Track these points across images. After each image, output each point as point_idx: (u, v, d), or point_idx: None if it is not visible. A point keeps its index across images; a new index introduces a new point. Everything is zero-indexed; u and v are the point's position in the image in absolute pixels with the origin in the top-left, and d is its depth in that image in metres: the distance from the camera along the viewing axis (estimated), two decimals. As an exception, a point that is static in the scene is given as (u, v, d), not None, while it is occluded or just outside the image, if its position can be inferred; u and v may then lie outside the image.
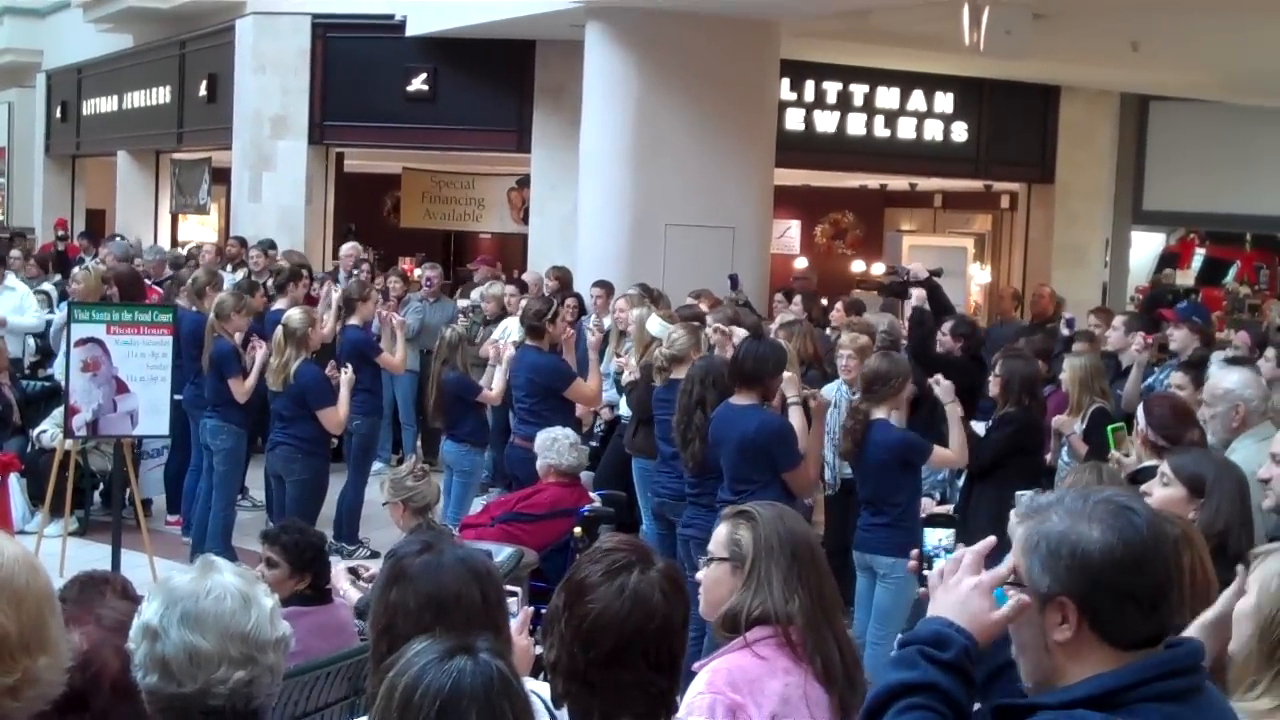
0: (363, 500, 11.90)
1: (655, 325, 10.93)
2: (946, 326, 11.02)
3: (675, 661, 3.19)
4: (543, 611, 3.47)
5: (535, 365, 10.63)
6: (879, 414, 8.21)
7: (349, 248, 16.43)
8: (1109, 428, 8.77)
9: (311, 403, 10.32)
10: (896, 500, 8.10)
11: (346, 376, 10.53)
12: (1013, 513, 2.91)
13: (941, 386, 8.44)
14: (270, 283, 14.18)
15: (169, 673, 2.97)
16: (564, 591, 3.16)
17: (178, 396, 11.11)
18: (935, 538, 3.11)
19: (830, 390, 9.74)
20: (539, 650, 3.77)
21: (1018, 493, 6.00)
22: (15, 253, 16.47)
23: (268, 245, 16.66)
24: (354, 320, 12.07)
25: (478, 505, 10.79)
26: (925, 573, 2.98)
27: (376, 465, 12.84)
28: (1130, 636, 2.62)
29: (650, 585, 3.11)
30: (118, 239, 20.05)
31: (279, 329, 10.57)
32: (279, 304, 13.13)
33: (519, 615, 3.73)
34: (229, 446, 11.15)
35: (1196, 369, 9.38)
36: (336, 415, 10.44)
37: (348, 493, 11.88)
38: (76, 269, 14.84)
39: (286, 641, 3.09)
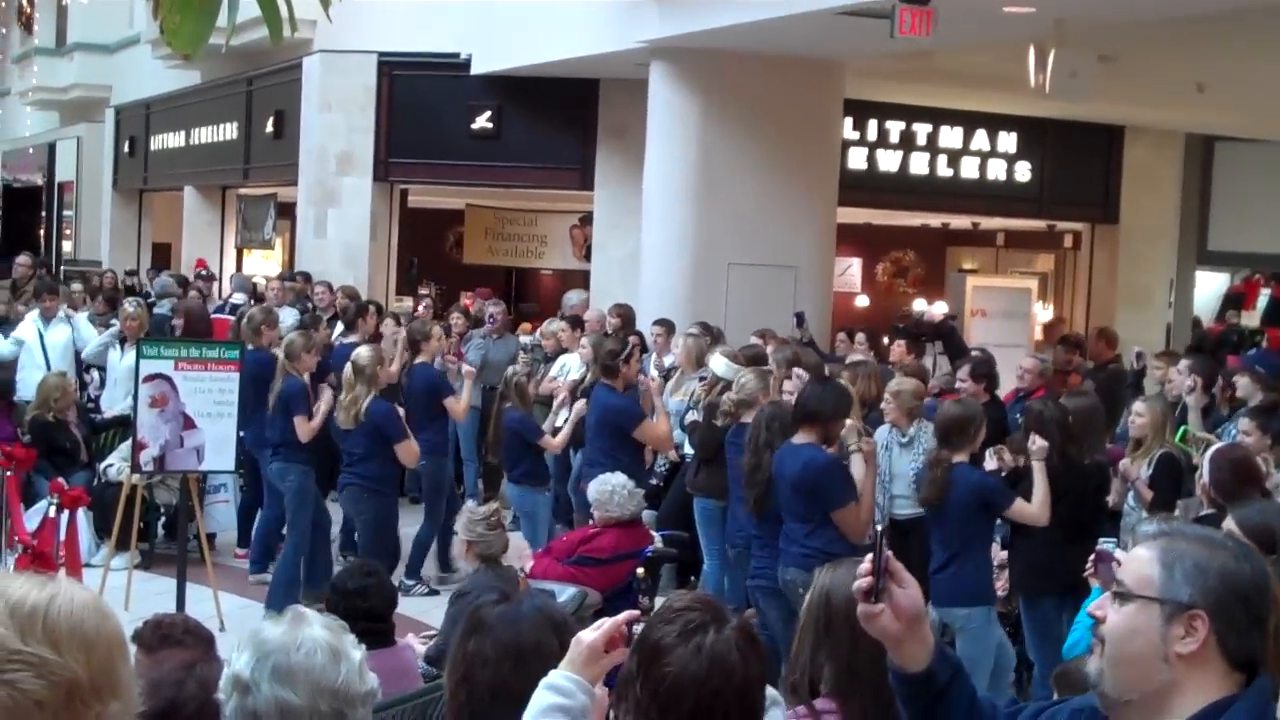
0: (434, 538, 11.91)
1: (720, 365, 10.94)
2: (965, 370, 10.98)
3: (754, 718, 3.15)
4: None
5: (608, 405, 10.67)
6: (959, 458, 8.19)
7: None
8: (1181, 430, 8.67)
9: (391, 436, 10.29)
10: (972, 548, 8.07)
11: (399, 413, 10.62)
12: (1139, 537, 2.98)
13: (1036, 446, 8.38)
14: (328, 318, 14.35)
15: None
16: (637, 654, 3.10)
17: (241, 434, 11.17)
18: None
19: (881, 434, 9.72)
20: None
21: (1101, 540, 5.98)
22: (76, 286, 16.55)
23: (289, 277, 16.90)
24: (422, 358, 12.10)
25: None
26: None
27: (470, 503, 12.80)
28: (1246, 657, 2.76)
29: (727, 644, 3.04)
30: (164, 275, 20.34)
31: (348, 366, 10.55)
32: (350, 338, 13.21)
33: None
34: (297, 485, 11.13)
35: (1265, 415, 9.29)
36: (413, 448, 10.43)
37: (422, 531, 11.90)
38: (127, 303, 14.91)
39: (375, 694, 3.11)
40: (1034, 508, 8.17)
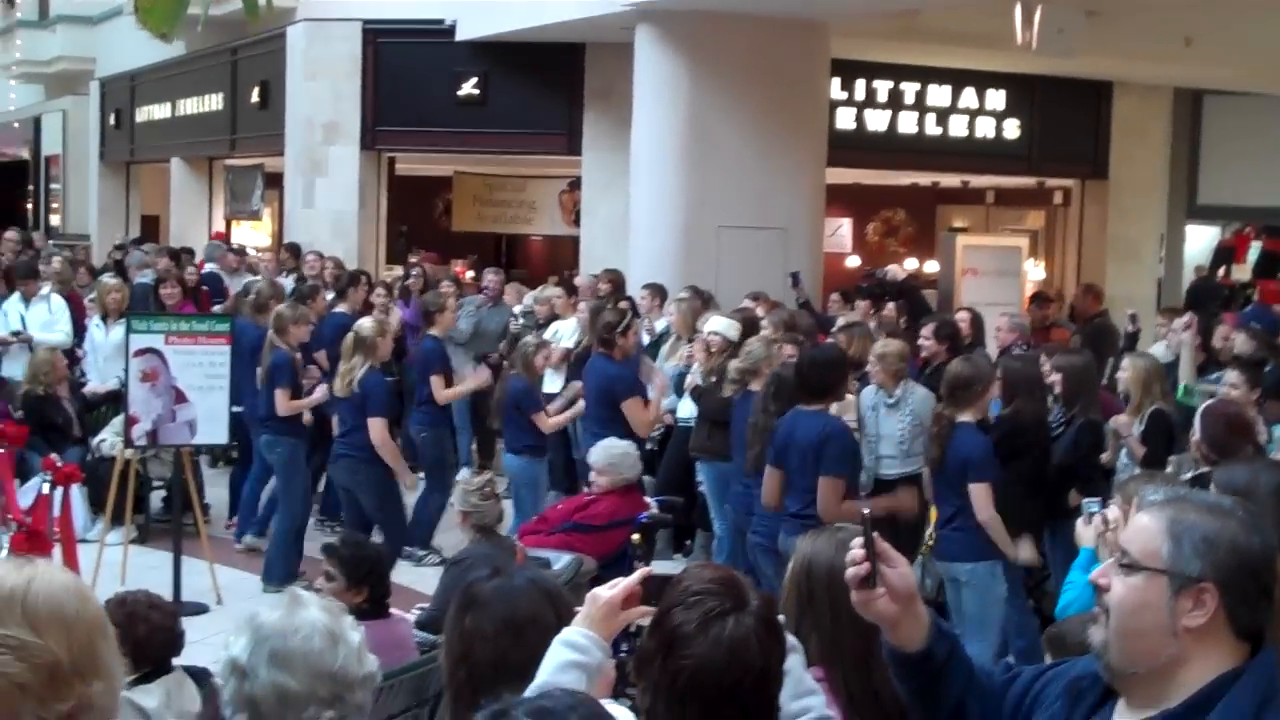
0: (442, 510, 11.58)
1: (720, 324, 10.94)
2: (929, 329, 10.97)
3: (771, 707, 3.10)
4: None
5: (607, 374, 10.64)
6: (964, 418, 8.13)
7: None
8: (1181, 387, 8.69)
9: (368, 408, 10.19)
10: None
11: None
12: (1114, 507, 2.95)
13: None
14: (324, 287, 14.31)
15: (258, 713, 2.99)
16: (655, 635, 3.06)
17: (237, 408, 11.10)
18: None
19: (867, 396, 9.72)
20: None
21: (1084, 500, 5.99)
22: (56, 262, 16.28)
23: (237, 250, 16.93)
24: (434, 330, 11.98)
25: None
26: None
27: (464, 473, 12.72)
28: (1253, 628, 2.74)
29: (746, 633, 2.99)
30: (140, 248, 20.30)
31: (349, 336, 10.47)
32: (340, 308, 13.16)
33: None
34: (286, 458, 11.04)
35: (1253, 368, 9.31)
36: (380, 428, 10.25)
37: (428, 501, 11.72)
38: (105, 278, 14.80)
39: (374, 678, 3.11)
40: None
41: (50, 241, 24.71)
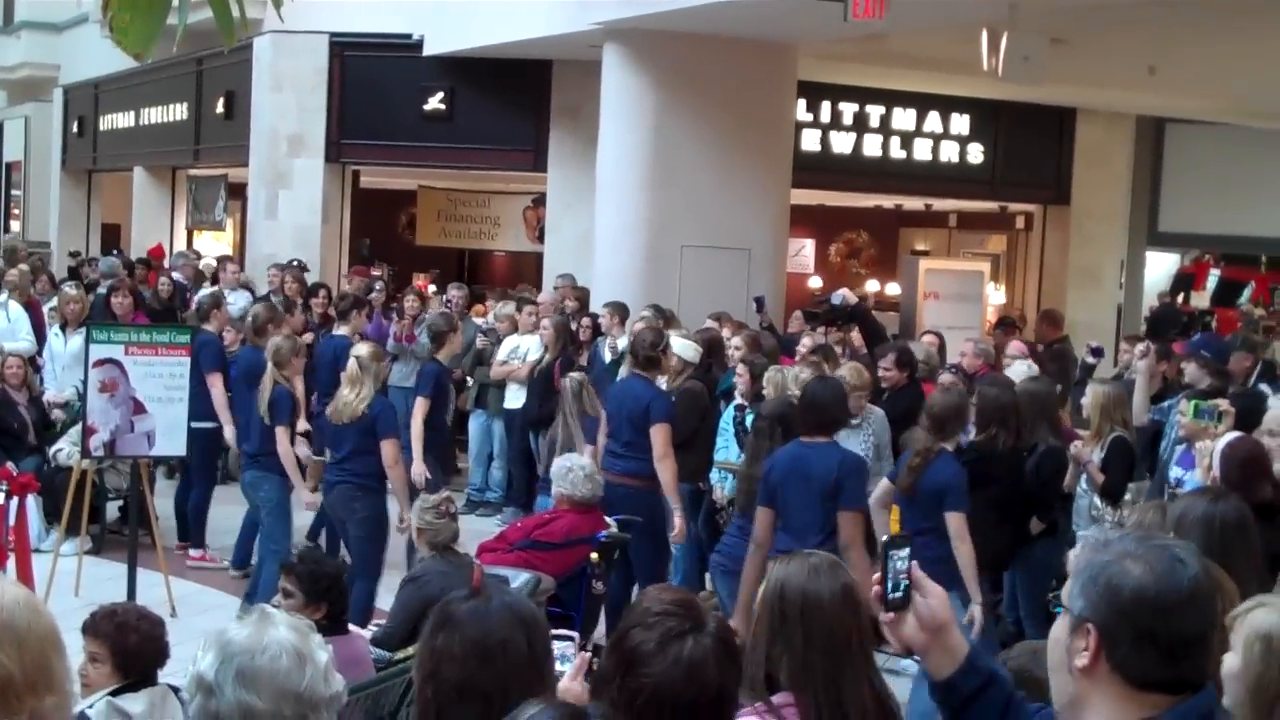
0: None
1: (676, 344, 10.93)
2: (890, 359, 10.87)
3: None
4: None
5: (644, 397, 9.75)
6: (945, 446, 7.98)
7: None
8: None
9: (380, 432, 9.55)
10: (939, 532, 7.71)
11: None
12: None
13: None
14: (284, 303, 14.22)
15: None
16: (614, 655, 3.10)
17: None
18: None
19: None
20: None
21: (1080, 533, 5.97)
22: (13, 272, 16.05)
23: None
24: (440, 355, 11.44)
25: (493, 530, 10.65)
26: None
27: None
28: (1143, 678, 2.65)
29: (704, 654, 3.05)
30: (109, 258, 20.11)
31: (352, 362, 9.79)
32: (340, 330, 12.92)
33: (575, 661, 3.73)
34: (276, 499, 10.33)
35: (1206, 399, 9.31)
36: (397, 447, 9.69)
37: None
38: (66, 287, 14.66)
39: (339, 698, 3.11)
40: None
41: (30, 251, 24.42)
